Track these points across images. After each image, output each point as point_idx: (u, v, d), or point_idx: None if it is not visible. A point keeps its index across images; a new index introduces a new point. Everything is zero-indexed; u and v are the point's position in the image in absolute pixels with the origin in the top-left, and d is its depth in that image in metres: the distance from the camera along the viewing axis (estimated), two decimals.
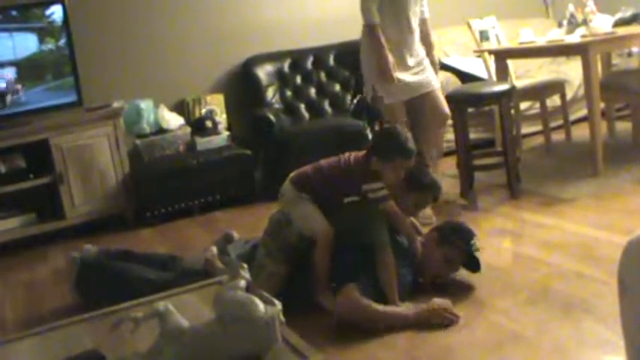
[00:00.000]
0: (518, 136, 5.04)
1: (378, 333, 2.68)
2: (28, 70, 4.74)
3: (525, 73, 5.68)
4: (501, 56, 4.90)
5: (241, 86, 5.52)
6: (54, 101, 4.80)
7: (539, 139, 5.34)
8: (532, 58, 5.62)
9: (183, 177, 4.88)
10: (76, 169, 4.74)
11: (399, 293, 2.85)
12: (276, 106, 5.42)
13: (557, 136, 5.29)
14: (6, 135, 4.55)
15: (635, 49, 4.91)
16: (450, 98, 4.30)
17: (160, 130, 5.14)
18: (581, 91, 5.15)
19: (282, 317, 1.72)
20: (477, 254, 3.00)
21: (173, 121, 5.18)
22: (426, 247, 3.06)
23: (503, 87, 4.24)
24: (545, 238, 3.49)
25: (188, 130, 5.18)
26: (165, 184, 4.85)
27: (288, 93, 5.55)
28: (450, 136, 4.49)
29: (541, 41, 4.64)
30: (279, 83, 5.53)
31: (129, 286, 3.12)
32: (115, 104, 4.94)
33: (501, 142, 4.47)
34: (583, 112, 5.17)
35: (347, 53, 5.66)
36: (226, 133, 5.22)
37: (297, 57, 5.64)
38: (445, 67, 5.57)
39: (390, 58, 3.96)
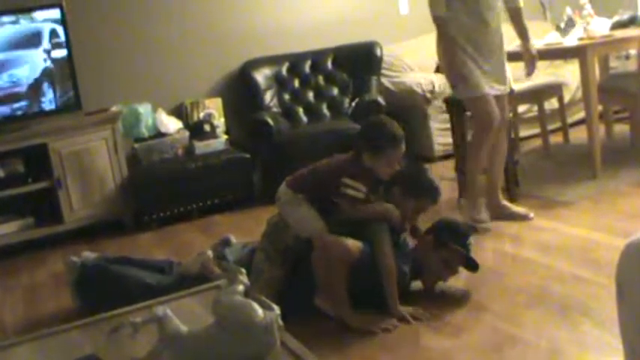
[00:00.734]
0: (516, 139, 5.04)
1: (377, 336, 2.69)
2: None
3: (523, 76, 5.67)
4: None
5: (239, 90, 5.52)
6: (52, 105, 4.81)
7: (537, 142, 5.34)
8: None
9: (182, 181, 4.88)
10: (74, 173, 4.73)
11: (398, 285, 2.88)
12: (275, 109, 5.42)
13: (555, 139, 5.29)
14: (5, 139, 4.55)
15: (632, 52, 4.91)
16: (448, 101, 4.31)
17: (159, 134, 5.14)
18: (579, 94, 5.15)
19: (280, 322, 1.72)
20: (473, 255, 3.00)
21: (171, 125, 5.18)
22: (424, 251, 3.05)
23: None
24: (544, 240, 3.50)
25: (186, 134, 5.18)
26: (163, 188, 4.85)
27: (287, 96, 5.55)
28: (448, 139, 4.48)
29: (539, 44, 4.64)
30: (277, 87, 5.53)
31: (127, 290, 3.13)
32: (113, 108, 4.94)
33: None
34: (581, 114, 5.17)
35: (345, 57, 5.67)
36: (224, 137, 5.22)
37: (295, 61, 5.65)
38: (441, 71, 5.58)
39: (458, 54, 3.65)
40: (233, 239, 3.60)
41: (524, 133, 5.42)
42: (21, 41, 4.70)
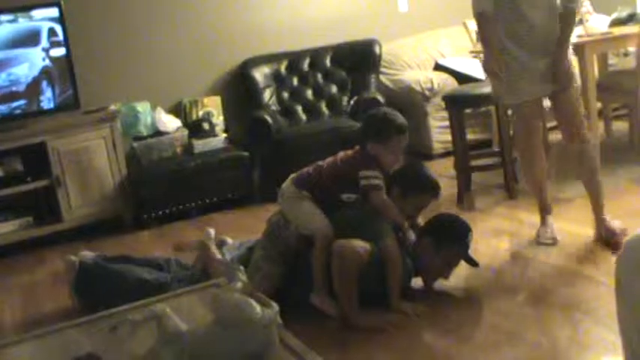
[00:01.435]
0: (515, 137, 5.03)
1: (377, 334, 2.69)
2: None
3: None
4: None
5: (238, 88, 5.51)
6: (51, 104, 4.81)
7: None
8: None
9: (181, 179, 4.88)
10: (73, 171, 4.73)
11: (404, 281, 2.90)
12: (273, 107, 5.42)
13: (554, 137, 5.28)
14: (3, 138, 4.55)
15: (631, 49, 4.91)
16: (447, 99, 4.30)
17: (157, 133, 5.13)
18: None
19: (279, 319, 1.72)
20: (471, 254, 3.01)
21: (170, 123, 5.17)
22: (424, 255, 3.02)
23: None
24: None
25: (185, 132, 5.17)
26: (162, 187, 4.84)
27: (285, 95, 5.55)
28: (446, 137, 4.48)
29: None
30: (276, 85, 5.52)
31: (126, 287, 3.13)
32: (112, 107, 4.93)
33: (498, 142, 4.48)
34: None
35: (344, 54, 5.66)
36: (223, 135, 5.22)
37: (293, 59, 5.64)
38: (441, 68, 5.58)
39: (495, 53, 3.34)
40: (229, 240, 3.61)
41: None
42: (19, 40, 4.69)
